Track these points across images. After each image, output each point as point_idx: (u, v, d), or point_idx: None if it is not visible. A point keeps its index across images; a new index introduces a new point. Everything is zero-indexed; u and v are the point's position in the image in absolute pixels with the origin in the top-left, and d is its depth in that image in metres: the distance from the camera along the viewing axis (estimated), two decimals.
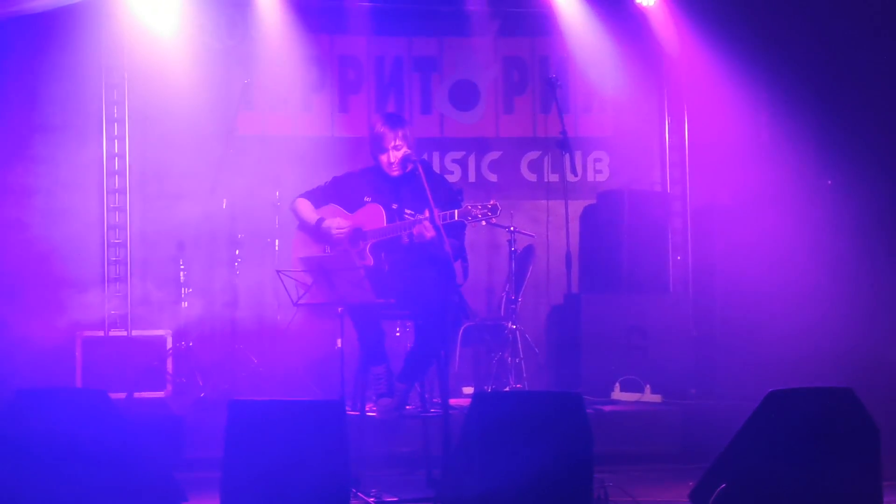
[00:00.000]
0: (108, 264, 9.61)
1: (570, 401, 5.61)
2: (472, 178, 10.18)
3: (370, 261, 6.72)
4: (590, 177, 10.26)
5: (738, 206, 9.29)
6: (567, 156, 8.80)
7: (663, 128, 10.37)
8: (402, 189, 6.93)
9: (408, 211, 6.84)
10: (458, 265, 6.66)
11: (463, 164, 10.16)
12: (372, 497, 6.03)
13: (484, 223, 6.57)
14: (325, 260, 6.22)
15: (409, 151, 6.88)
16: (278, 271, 6.30)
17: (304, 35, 9.87)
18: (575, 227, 9.65)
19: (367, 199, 6.95)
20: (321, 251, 6.85)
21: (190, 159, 9.46)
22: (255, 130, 9.80)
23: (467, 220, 6.54)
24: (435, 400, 7.50)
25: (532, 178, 10.30)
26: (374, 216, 6.84)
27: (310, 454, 5.23)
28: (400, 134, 6.93)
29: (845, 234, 8.91)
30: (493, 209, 6.47)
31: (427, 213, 6.46)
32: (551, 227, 9.42)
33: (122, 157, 9.64)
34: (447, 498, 5.64)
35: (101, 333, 9.24)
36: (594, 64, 10.11)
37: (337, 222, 6.87)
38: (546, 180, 10.18)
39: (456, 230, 6.71)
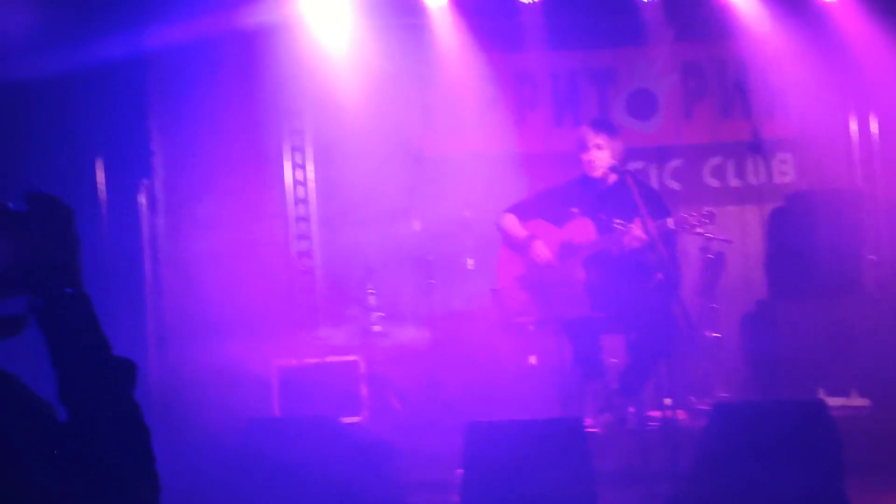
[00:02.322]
0: (298, 292, 9.66)
1: (814, 408, 5.46)
2: (654, 187, 10.00)
3: (582, 275, 6.63)
4: (775, 179, 10.02)
5: None
6: (765, 159, 8.59)
7: (848, 126, 10.08)
8: (609, 199, 6.85)
9: (617, 221, 6.75)
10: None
11: (644, 173, 10.00)
12: None
13: (700, 231, 6.44)
14: (544, 276, 6.15)
15: (614, 161, 6.81)
16: (493, 290, 6.25)
17: (478, 54, 9.82)
18: (761, 231, 9.45)
19: (574, 210, 6.88)
20: (530, 267, 6.78)
21: (373, 183, 9.47)
22: (434, 151, 9.78)
23: (683, 228, 6.42)
24: (651, 413, 7.35)
25: (715, 184, 10.10)
26: (583, 229, 6.77)
27: (552, 474, 5.15)
28: (603, 136, 6.89)
29: None
30: (710, 216, 6.35)
31: (637, 222, 6.36)
32: (739, 233, 9.21)
33: (305, 184, 9.70)
34: None
35: (295, 361, 9.28)
36: (774, 65, 9.89)
37: (543, 250, 6.80)
38: (730, 185, 9.99)
39: (667, 240, 6.60)
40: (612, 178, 6.90)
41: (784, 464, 5.20)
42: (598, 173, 6.90)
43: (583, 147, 6.97)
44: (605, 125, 7.13)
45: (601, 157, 6.90)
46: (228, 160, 9.62)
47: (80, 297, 1.92)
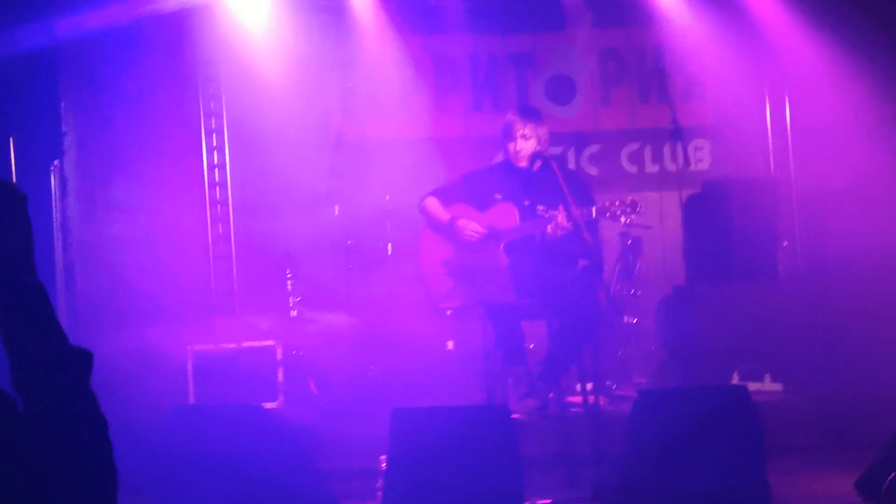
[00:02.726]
0: (214, 276, 9.55)
1: (736, 394, 5.50)
2: (578, 173, 10.04)
3: (505, 261, 6.62)
4: (692, 166, 10.10)
5: (849, 189, 9.08)
6: (683, 145, 8.64)
7: (764, 113, 10.17)
8: (533, 185, 6.84)
9: (540, 207, 6.75)
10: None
11: (562, 158, 10.00)
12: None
13: (623, 220, 6.45)
14: (468, 261, 6.13)
15: (539, 148, 6.80)
16: (421, 275, 6.21)
17: (398, 36, 9.76)
18: (678, 217, 9.53)
19: (497, 195, 6.86)
20: (453, 252, 6.75)
21: (292, 167, 9.36)
22: (353, 135, 9.70)
23: (605, 216, 6.44)
24: (572, 399, 7.36)
25: (633, 169, 10.16)
26: (506, 214, 6.75)
27: (479, 461, 5.13)
28: (530, 125, 6.87)
29: None
30: (633, 205, 6.36)
31: (561, 209, 6.36)
32: (657, 218, 9.26)
33: (222, 168, 9.59)
34: (616, 499, 5.51)
35: (212, 346, 9.16)
36: (692, 52, 9.96)
37: (472, 225, 6.77)
38: (647, 171, 10.06)
39: (590, 227, 6.61)
40: (537, 164, 6.89)
41: (707, 448, 5.23)
42: (523, 163, 6.89)
43: (509, 136, 6.94)
44: (531, 113, 7.11)
45: (527, 146, 6.89)
46: (143, 143, 9.45)
47: (34, 285, 1.85)
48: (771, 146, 10.17)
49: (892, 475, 5.46)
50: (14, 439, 1.72)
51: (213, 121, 9.62)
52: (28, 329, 1.81)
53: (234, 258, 9.56)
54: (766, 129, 10.17)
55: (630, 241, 8.70)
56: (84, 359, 1.87)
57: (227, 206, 9.60)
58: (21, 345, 1.81)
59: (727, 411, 5.36)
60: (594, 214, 6.44)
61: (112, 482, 1.82)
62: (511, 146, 6.93)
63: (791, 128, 10.07)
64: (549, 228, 6.47)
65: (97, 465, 1.80)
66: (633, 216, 6.43)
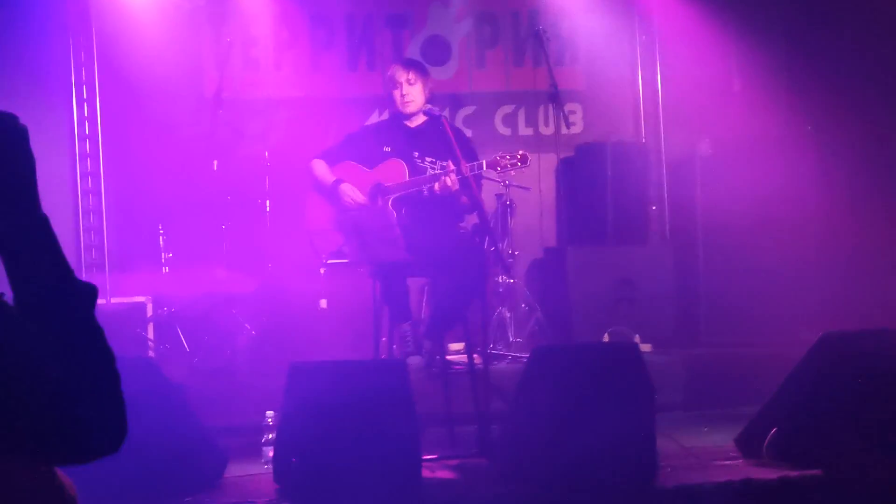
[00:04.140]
0: (83, 232, 9.35)
1: (627, 351, 5.60)
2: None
3: (393, 216, 6.61)
4: (562, 130, 10.20)
5: (717, 155, 9.26)
6: (561, 108, 8.71)
7: (636, 79, 10.34)
8: (421, 138, 6.84)
9: (429, 159, 6.76)
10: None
11: None
12: None
13: (513, 173, 6.50)
14: (359, 218, 6.10)
15: (425, 99, 6.84)
16: (308, 231, 6.17)
17: None
18: (551, 180, 9.65)
19: (386, 149, 6.85)
20: (338, 213, 6.72)
21: (166, 121, 9.21)
22: (230, 92, 9.55)
23: (496, 170, 6.47)
24: (456, 357, 7.40)
25: (506, 132, 10.23)
26: (395, 170, 6.74)
27: (377, 414, 5.12)
28: (413, 72, 6.89)
29: (829, 181, 8.97)
30: (524, 159, 6.41)
31: (451, 164, 6.37)
32: (529, 181, 9.32)
33: (93, 121, 9.37)
34: (505, 456, 5.56)
35: None
36: (566, 16, 10.08)
37: (353, 192, 6.75)
38: (520, 134, 10.15)
39: (479, 183, 6.65)
40: (424, 118, 6.91)
41: (598, 405, 5.31)
42: (410, 108, 6.90)
43: (394, 84, 6.95)
44: (414, 63, 7.15)
45: (413, 91, 6.91)
46: (11, 95, 9.18)
47: (38, 218, 1.81)
48: (642, 111, 10.33)
49: (773, 431, 5.64)
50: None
51: (83, 72, 9.37)
52: (31, 262, 1.77)
53: (104, 213, 9.35)
54: (638, 95, 10.33)
55: (508, 202, 8.76)
56: (89, 292, 1.83)
57: (98, 160, 9.38)
58: (24, 277, 1.77)
59: (618, 368, 5.45)
60: (485, 167, 6.46)
61: (121, 417, 1.79)
62: (397, 93, 6.93)
63: (661, 94, 10.25)
64: (439, 183, 6.47)
65: (104, 403, 1.77)
66: (523, 168, 6.48)
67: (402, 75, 6.89)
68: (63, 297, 1.77)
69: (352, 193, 6.75)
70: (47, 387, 1.68)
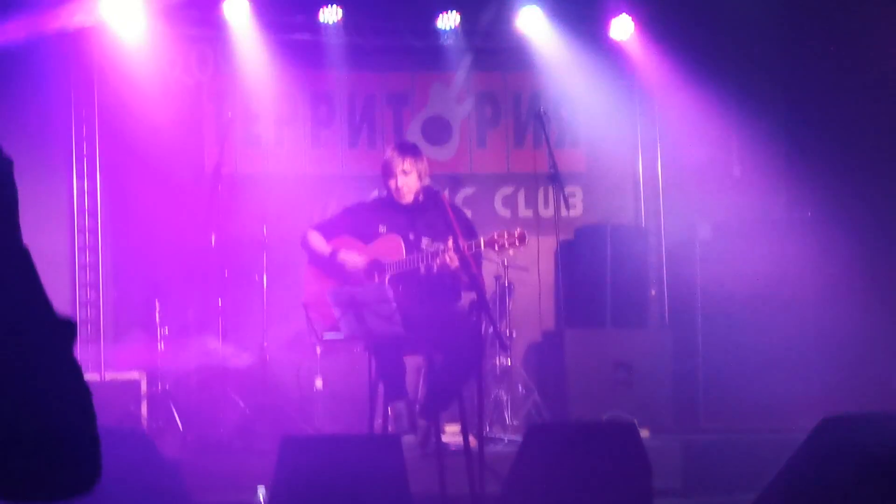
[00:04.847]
0: (79, 305, 9.29)
1: (625, 430, 5.53)
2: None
3: (390, 293, 6.55)
4: (562, 212, 10.18)
5: (717, 239, 9.26)
6: (561, 190, 8.68)
7: (636, 162, 10.35)
8: (418, 218, 6.81)
9: (425, 239, 6.72)
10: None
11: None
12: None
13: (511, 252, 6.46)
14: (356, 292, 6.05)
15: (421, 184, 6.82)
16: (304, 305, 6.12)
17: (277, 70, 9.69)
18: (550, 262, 9.61)
19: (381, 228, 6.82)
20: (338, 284, 6.66)
21: (165, 196, 9.20)
22: (230, 167, 9.57)
23: (494, 248, 6.42)
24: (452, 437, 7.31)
25: (506, 213, 10.22)
26: (391, 247, 6.70)
27: (368, 490, 5.05)
28: (408, 160, 6.86)
29: (829, 266, 8.94)
30: (522, 238, 6.36)
31: (449, 242, 6.33)
32: (528, 263, 9.28)
33: (92, 195, 9.36)
34: None
35: None
36: (567, 99, 10.10)
37: (352, 256, 6.71)
38: (520, 215, 10.14)
39: (478, 261, 6.60)
40: (422, 197, 6.88)
41: (595, 484, 5.24)
42: (406, 199, 6.87)
43: (389, 173, 6.90)
44: (409, 148, 7.08)
45: (408, 182, 6.86)
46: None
47: (18, 250, 1.76)
48: (642, 194, 10.33)
49: None
50: None
51: (84, 145, 9.37)
52: (7, 293, 1.72)
53: (101, 287, 9.30)
54: (638, 178, 10.33)
55: (506, 283, 8.72)
56: (70, 328, 1.78)
57: (97, 234, 9.35)
58: (5, 313, 1.72)
59: (616, 448, 5.38)
60: (483, 246, 6.42)
61: (95, 455, 1.73)
62: (392, 183, 6.88)
63: (662, 176, 10.26)
64: (437, 261, 6.43)
65: (79, 440, 1.71)
66: (521, 248, 6.43)
67: (397, 164, 6.85)
68: (39, 331, 1.71)
69: (353, 258, 6.71)
70: (18, 421, 1.62)
